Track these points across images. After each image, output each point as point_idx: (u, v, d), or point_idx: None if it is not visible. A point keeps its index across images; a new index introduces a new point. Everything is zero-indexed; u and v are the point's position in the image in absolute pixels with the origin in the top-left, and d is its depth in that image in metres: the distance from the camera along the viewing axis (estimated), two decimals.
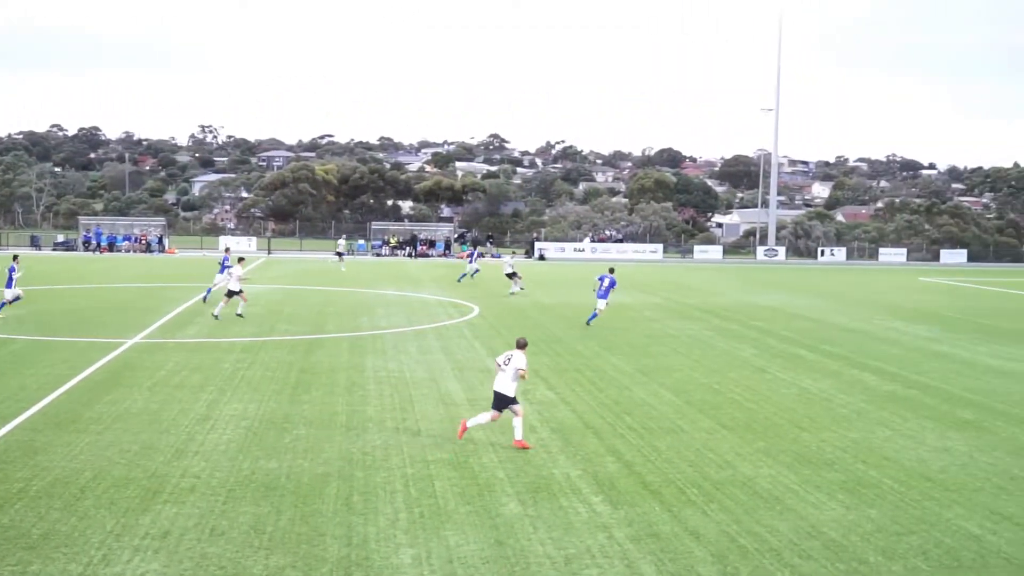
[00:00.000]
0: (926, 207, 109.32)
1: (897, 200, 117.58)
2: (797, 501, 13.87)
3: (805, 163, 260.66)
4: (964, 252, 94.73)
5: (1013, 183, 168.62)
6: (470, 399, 20.00)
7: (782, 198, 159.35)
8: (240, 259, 34.80)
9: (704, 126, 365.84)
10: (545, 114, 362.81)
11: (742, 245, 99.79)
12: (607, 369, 24.21)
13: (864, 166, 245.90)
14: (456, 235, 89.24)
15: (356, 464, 15.06)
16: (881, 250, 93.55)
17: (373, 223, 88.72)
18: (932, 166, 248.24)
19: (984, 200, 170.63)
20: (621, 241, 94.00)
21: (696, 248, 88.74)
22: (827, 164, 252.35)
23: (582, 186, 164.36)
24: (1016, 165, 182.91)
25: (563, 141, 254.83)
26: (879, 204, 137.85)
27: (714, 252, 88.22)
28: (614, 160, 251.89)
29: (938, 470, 15.61)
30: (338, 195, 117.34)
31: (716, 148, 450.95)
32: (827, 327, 34.99)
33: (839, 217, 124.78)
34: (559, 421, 18.28)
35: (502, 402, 16.20)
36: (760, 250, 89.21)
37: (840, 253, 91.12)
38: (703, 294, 46.60)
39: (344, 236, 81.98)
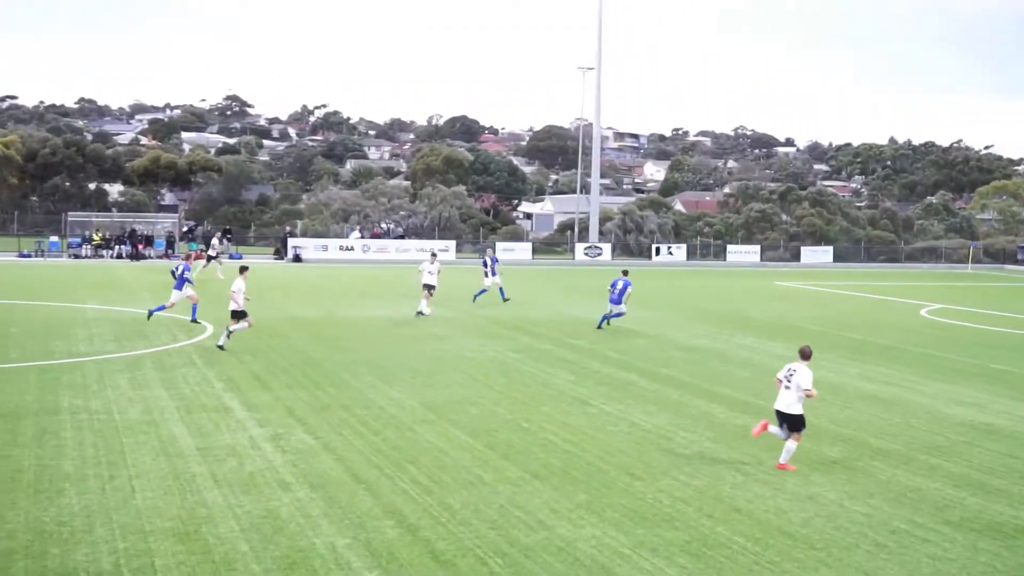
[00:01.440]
0: (782, 193, 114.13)
1: (749, 184, 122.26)
2: (629, 569, 14.12)
3: (635, 137, 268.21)
4: (830, 250, 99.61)
5: (888, 163, 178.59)
6: (202, 447, 19.51)
7: (607, 181, 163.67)
8: None
9: (508, 89, 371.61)
10: (300, 71, 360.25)
11: (557, 242, 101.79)
12: (384, 404, 24.10)
13: (707, 141, 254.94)
14: (184, 229, 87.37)
15: (49, 538, 14.46)
16: (729, 247, 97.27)
17: (70, 214, 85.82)
18: (790, 142, 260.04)
19: (854, 184, 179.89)
20: (402, 237, 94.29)
21: (499, 246, 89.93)
22: (662, 139, 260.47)
23: (350, 165, 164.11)
24: (892, 141, 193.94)
25: (324, 106, 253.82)
26: (726, 189, 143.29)
27: (522, 251, 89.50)
28: (392, 131, 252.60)
29: (801, 523, 16.24)
30: (22, 176, 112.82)
31: (523, 117, 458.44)
32: (665, 345, 35.96)
33: (678, 206, 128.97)
34: (320, 474, 18.05)
35: (783, 418, 19.21)
36: (580, 248, 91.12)
37: (679, 251, 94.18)
38: (507, 304, 47.16)
39: (221, 233, 79.84)
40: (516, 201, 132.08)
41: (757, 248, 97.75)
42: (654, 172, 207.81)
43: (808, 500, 17.48)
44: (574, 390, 26.76)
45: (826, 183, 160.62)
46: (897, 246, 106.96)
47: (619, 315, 40.01)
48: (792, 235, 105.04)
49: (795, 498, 17.55)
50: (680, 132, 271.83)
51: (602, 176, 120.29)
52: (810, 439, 21.84)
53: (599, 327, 39.65)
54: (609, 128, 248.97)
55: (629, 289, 39.61)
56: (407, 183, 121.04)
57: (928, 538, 15.70)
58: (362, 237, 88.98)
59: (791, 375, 19.24)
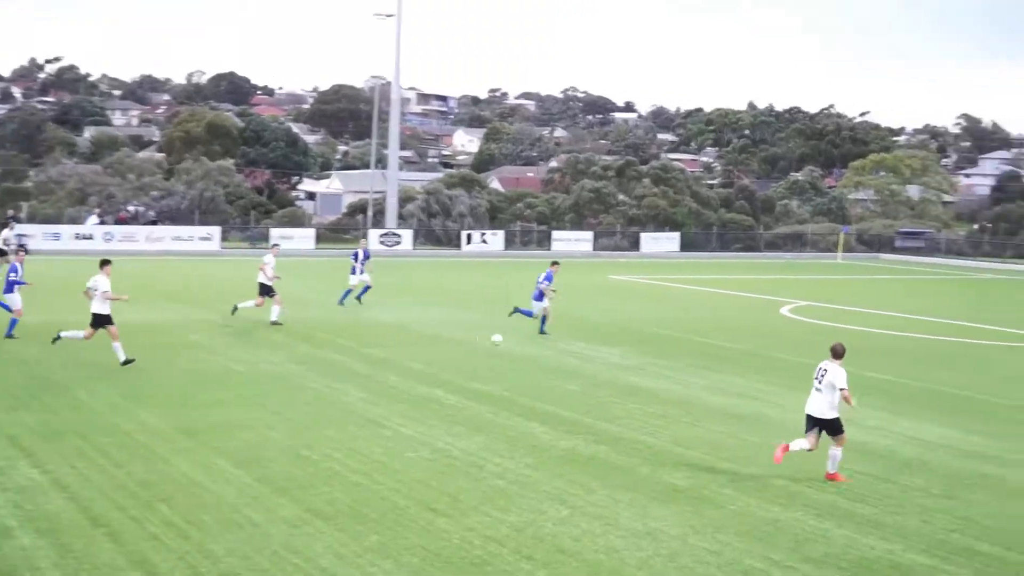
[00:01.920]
0: (619, 168, 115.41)
1: (580, 157, 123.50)
2: None
3: (443, 99, 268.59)
4: (676, 236, 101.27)
5: (747, 133, 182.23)
6: None
7: (408, 153, 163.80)
8: None
9: (286, 40, 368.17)
10: (27, 17, 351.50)
11: (346, 227, 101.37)
12: (130, 430, 23.79)
13: (531, 105, 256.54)
14: None
15: None
16: (556, 234, 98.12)
17: None
18: (630, 107, 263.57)
19: (705, 158, 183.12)
20: (155, 222, 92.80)
21: (274, 232, 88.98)
22: (476, 102, 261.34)
23: (89, 133, 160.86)
24: (751, 107, 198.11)
25: (58, 59, 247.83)
26: (553, 163, 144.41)
27: (302, 239, 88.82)
28: (141, 91, 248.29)
29: (637, 565, 16.56)
30: None
31: (306, 75, 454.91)
32: (477, 354, 36.20)
33: (495, 183, 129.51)
34: (50, 516, 17.76)
35: (818, 425, 21.26)
36: (375, 235, 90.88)
37: (496, 239, 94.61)
38: (285, 304, 46.81)
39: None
40: (296, 178, 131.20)
41: (590, 235, 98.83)
42: (466, 142, 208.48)
43: (646, 536, 17.83)
44: (366, 409, 26.78)
45: (672, 156, 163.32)
46: (756, 232, 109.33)
47: (542, 320, 41.71)
48: (631, 219, 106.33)
49: (630, 534, 17.88)
50: (498, 94, 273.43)
51: (403, 147, 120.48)
52: (649, 464, 22.30)
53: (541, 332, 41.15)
54: (412, 88, 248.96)
55: (550, 280, 41.76)
56: (161, 156, 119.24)
57: None
58: (103, 223, 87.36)
59: (822, 375, 21.43)
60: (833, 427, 21.40)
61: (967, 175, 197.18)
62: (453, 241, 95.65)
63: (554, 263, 43.44)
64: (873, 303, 57.60)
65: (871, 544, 17.77)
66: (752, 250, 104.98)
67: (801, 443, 21.47)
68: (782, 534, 18.12)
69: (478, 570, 16.13)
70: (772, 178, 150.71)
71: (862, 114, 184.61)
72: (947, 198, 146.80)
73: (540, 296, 41.64)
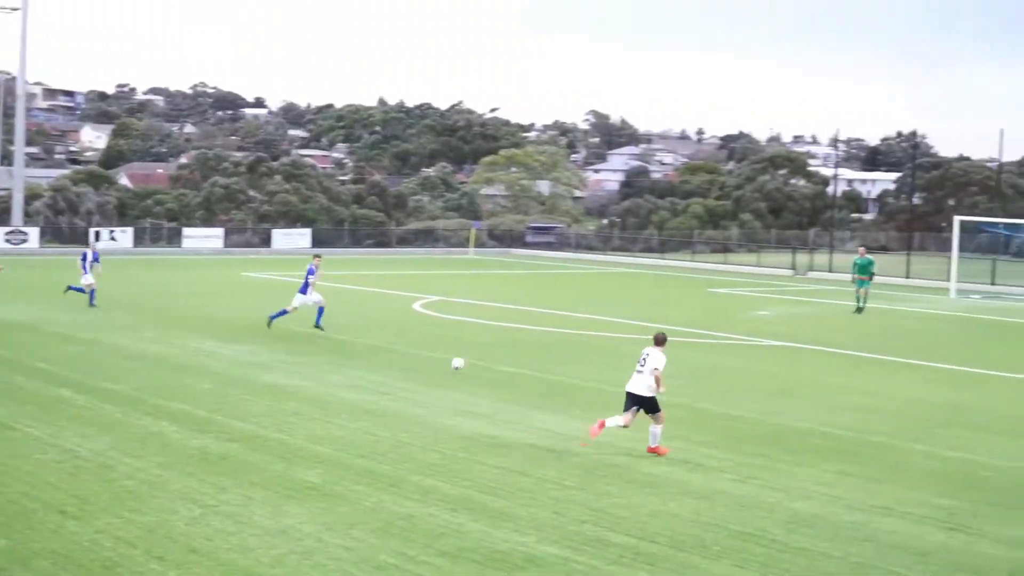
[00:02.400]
0: (251, 164, 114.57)
1: (210, 154, 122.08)
2: None
3: (70, 95, 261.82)
4: (308, 232, 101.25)
5: (378, 129, 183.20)
6: None
7: (35, 150, 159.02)
8: None
9: None
10: None
11: None
12: None
13: (160, 101, 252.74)
14: None
15: None
16: (186, 231, 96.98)
17: None
18: (260, 103, 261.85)
19: (337, 154, 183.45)
20: None
21: None
22: (103, 97, 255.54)
23: None
24: (382, 102, 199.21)
25: None
26: (183, 160, 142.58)
27: None
28: None
29: (271, 563, 16.37)
30: None
31: None
32: (104, 353, 35.39)
33: (124, 180, 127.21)
34: None
35: (637, 403, 23.50)
36: (1, 232, 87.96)
37: (124, 236, 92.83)
38: None
39: None
40: None
41: (220, 231, 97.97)
42: (94, 138, 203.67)
43: (280, 535, 17.66)
44: None
45: (303, 152, 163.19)
46: (388, 228, 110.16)
47: (282, 313, 42.14)
48: (263, 215, 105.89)
49: (264, 533, 17.69)
50: (126, 89, 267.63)
51: (29, 143, 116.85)
52: (283, 461, 22.12)
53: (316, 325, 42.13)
54: (38, 84, 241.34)
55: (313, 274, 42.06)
56: None
57: (421, 572, 16.21)
58: None
59: (645, 359, 23.58)
60: (651, 405, 23.64)
61: (596, 170, 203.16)
62: (81, 239, 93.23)
63: (316, 256, 43.78)
64: (504, 297, 58.59)
65: (504, 537, 17.93)
66: (384, 246, 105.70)
67: (617, 420, 23.74)
68: (416, 529, 18.17)
69: (109, 572, 15.70)
70: (403, 174, 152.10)
71: (492, 110, 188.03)
72: (577, 193, 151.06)
73: (306, 289, 42.01)
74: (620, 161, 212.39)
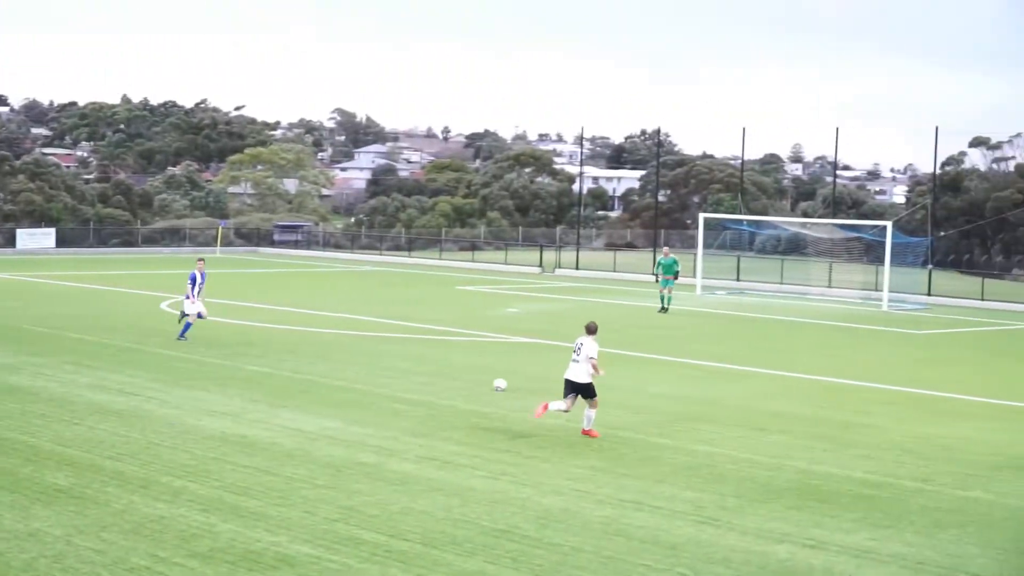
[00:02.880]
0: None
1: None
2: None
3: None
4: (52, 232, 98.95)
5: (123, 127, 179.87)
6: None
7: None
8: None
9: None
10: None
11: None
12: None
13: None
14: None
15: None
16: None
17: None
18: (2, 100, 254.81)
19: (81, 152, 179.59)
20: None
21: None
22: None
23: None
24: (126, 100, 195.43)
25: None
26: None
27: None
28: None
29: (21, 567, 16.05)
30: None
31: None
32: None
33: None
34: None
35: (575, 390, 25.74)
36: None
37: None
38: None
39: None
40: None
41: None
42: None
43: (29, 538, 17.37)
44: None
45: (47, 151, 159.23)
46: (134, 227, 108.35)
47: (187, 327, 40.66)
48: (7, 215, 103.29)
49: (13, 536, 17.39)
50: None
51: None
52: (30, 464, 21.76)
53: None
54: None
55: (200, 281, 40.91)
56: None
57: (173, 574, 16.10)
58: None
59: (580, 347, 25.78)
60: (588, 391, 25.90)
61: (343, 168, 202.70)
62: None
63: (200, 260, 42.81)
64: (252, 296, 58.26)
65: (257, 537, 17.89)
66: (130, 245, 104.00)
67: (559, 404, 25.95)
68: (168, 531, 18.04)
69: None
70: (149, 173, 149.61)
71: (237, 108, 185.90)
72: (324, 191, 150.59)
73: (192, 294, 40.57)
74: (367, 159, 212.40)
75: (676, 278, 59.43)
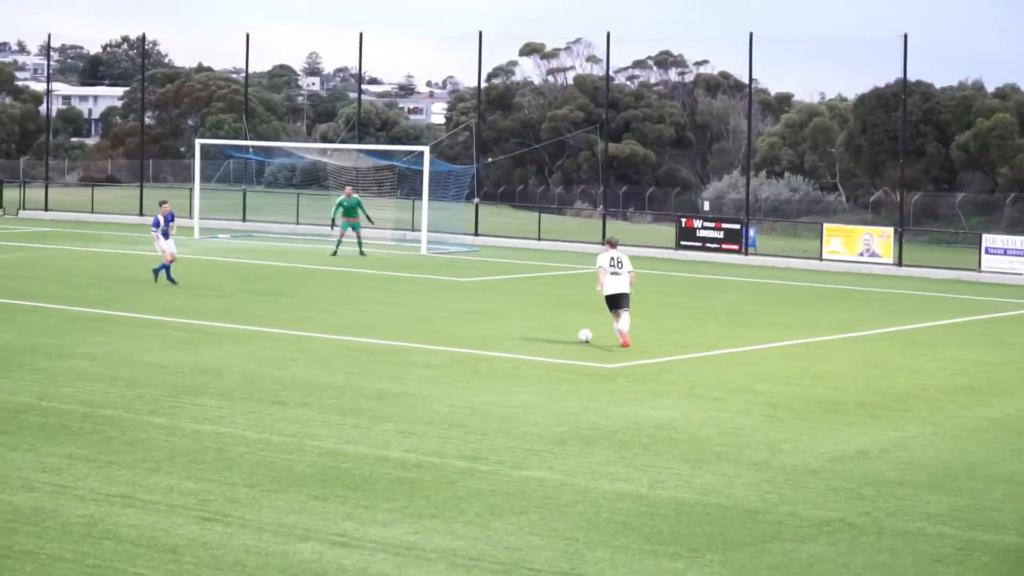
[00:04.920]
0: None
1: None
2: None
3: None
4: None
5: None
6: None
7: None
8: None
9: None
10: None
11: None
12: None
13: None
14: None
15: None
16: None
17: None
18: None
19: None
20: None
21: None
22: None
23: None
24: None
25: None
26: None
27: None
28: None
29: None
30: None
31: None
32: None
33: None
34: None
35: (620, 301, 36.27)
36: None
37: None
38: None
39: None
40: None
41: None
42: None
43: None
44: None
45: None
46: None
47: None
48: None
49: None
50: None
51: None
52: None
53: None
54: None
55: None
56: None
57: None
58: None
59: (620, 262, 36.27)
60: (627, 301, 36.28)
61: None
62: None
63: (162, 202, 50.47)
64: None
65: None
66: None
67: (620, 324, 36.36)
68: None
69: None
70: None
71: None
72: None
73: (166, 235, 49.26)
74: None
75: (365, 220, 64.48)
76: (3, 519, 19.01)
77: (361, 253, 63.94)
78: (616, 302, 36.17)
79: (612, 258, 36.43)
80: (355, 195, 64.03)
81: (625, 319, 36.17)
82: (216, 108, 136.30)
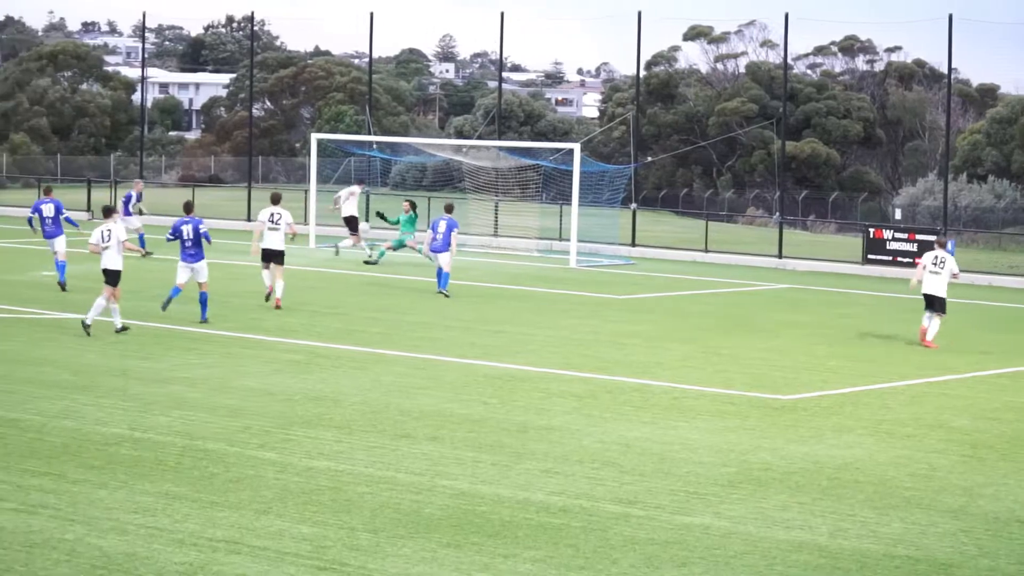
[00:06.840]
0: None
1: None
2: None
3: None
4: None
5: None
6: None
7: None
8: None
9: None
10: None
11: None
12: None
13: None
14: None
15: None
16: None
17: None
18: None
19: None
20: None
21: None
22: None
23: None
24: None
25: None
26: None
27: None
28: None
29: None
30: None
31: None
32: None
33: None
34: None
35: (934, 302, 42.80)
36: None
37: None
38: None
39: None
40: None
41: None
42: None
43: None
44: None
45: None
46: None
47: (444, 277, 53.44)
48: None
49: None
50: None
51: None
52: None
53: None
54: None
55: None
56: None
57: None
58: None
59: (942, 262, 41.87)
60: (944, 303, 42.81)
61: None
62: None
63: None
64: None
65: None
66: None
67: (932, 326, 42.88)
68: None
69: None
70: None
71: None
72: None
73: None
74: None
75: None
76: (91, 566, 19.15)
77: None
78: (929, 303, 43.13)
79: (936, 257, 43.17)
80: (412, 211, 63.48)
81: (935, 324, 43.12)
82: (335, 99, 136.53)
